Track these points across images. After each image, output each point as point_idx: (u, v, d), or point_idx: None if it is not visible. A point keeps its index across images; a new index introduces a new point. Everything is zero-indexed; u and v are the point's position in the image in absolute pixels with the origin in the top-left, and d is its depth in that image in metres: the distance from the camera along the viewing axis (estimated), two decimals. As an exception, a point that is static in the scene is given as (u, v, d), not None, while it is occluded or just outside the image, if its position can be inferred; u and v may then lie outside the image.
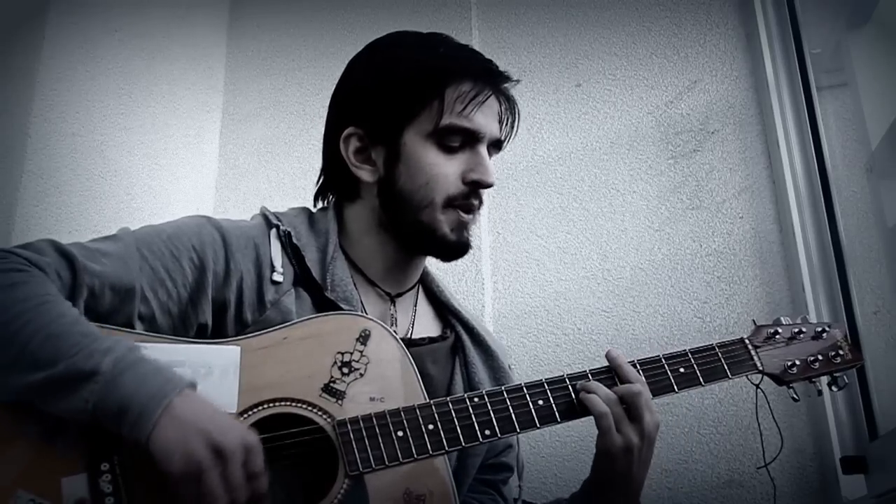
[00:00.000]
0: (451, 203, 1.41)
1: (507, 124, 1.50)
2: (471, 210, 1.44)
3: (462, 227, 1.43)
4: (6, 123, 2.45)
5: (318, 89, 2.85)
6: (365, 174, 1.45)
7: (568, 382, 1.33)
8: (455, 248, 1.44)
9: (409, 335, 1.48)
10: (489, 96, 1.43)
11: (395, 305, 1.49)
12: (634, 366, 1.37)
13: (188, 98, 2.88)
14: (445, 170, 1.41)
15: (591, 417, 1.32)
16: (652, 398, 1.33)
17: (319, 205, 1.56)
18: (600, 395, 1.31)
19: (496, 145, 1.49)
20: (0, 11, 2.52)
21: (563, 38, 2.60)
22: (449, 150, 1.41)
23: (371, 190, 1.46)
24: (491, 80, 1.45)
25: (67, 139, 2.45)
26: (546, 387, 1.32)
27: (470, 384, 1.49)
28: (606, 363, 1.37)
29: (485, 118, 1.43)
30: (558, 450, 2.18)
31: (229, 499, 1.07)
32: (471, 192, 1.42)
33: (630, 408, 1.30)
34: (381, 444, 1.22)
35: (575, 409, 1.32)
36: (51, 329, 1.11)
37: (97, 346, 1.10)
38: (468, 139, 1.42)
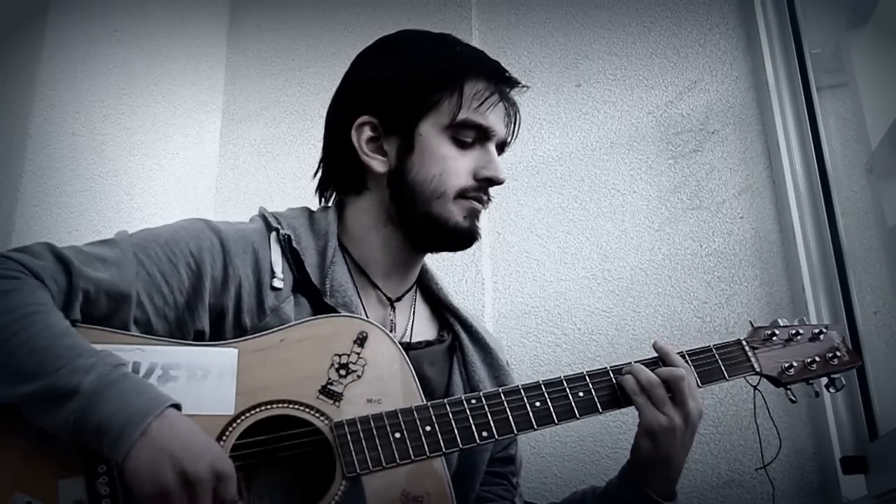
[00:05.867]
0: (462, 195, 1.43)
1: (511, 128, 1.52)
2: (481, 204, 1.46)
3: (473, 215, 1.45)
4: (6, 123, 2.45)
5: (318, 89, 2.85)
6: (377, 164, 1.44)
7: (565, 384, 1.33)
8: (467, 236, 1.46)
9: (408, 339, 1.47)
10: (503, 97, 1.47)
11: (394, 311, 1.48)
12: (683, 356, 1.40)
13: (188, 98, 2.88)
14: (458, 163, 1.42)
15: (592, 418, 1.33)
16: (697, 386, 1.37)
17: (322, 200, 1.56)
18: (641, 378, 1.34)
19: (500, 147, 1.51)
20: (0, 11, 2.52)
21: (563, 38, 2.59)
22: (462, 145, 1.43)
23: (380, 181, 1.46)
24: (504, 82, 1.47)
25: (67, 139, 2.45)
26: (543, 389, 1.32)
27: (469, 383, 1.49)
28: (608, 364, 1.38)
29: (496, 118, 1.46)
30: (558, 450, 2.18)
31: None
32: (481, 188, 1.44)
33: (674, 392, 1.33)
34: (379, 446, 1.22)
35: (572, 409, 1.32)
36: (37, 342, 1.11)
37: (80, 364, 1.10)
38: (480, 136, 1.45)
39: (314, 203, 1.57)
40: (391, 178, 1.44)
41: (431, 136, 1.42)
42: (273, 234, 1.40)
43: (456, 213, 1.43)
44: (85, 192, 2.46)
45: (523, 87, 1.51)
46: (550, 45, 2.60)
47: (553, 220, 2.42)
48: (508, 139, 1.52)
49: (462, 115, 1.42)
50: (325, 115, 1.54)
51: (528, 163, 2.49)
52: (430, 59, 1.45)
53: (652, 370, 1.35)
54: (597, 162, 2.43)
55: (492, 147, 1.46)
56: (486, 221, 2.45)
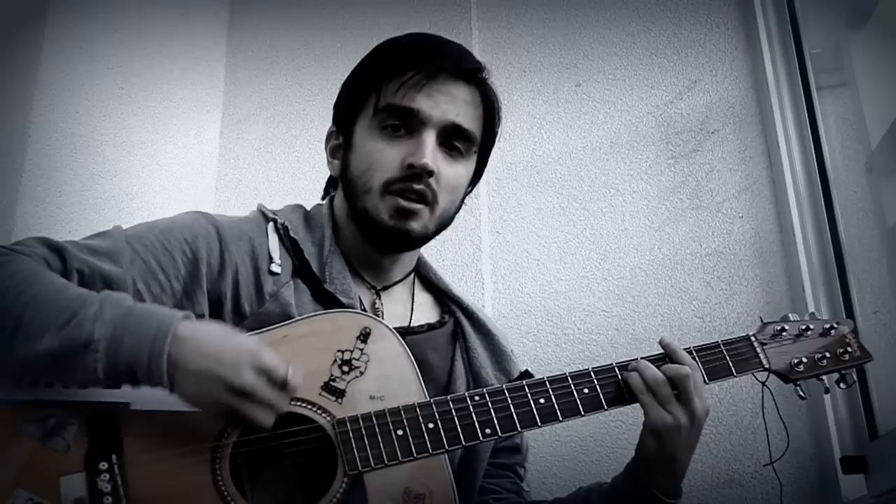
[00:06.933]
0: (388, 188, 1.40)
1: (471, 111, 1.46)
2: (411, 195, 1.40)
3: (402, 213, 1.40)
4: (6, 123, 2.45)
5: (318, 89, 2.85)
6: (331, 167, 1.53)
7: (570, 381, 1.33)
8: (391, 235, 1.42)
9: (408, 323, 1.49)
10: (432, 77, 1.40)
11: (380, 298, 1.50)
12: (690, 353, 1.38)
13: (188, 98, 2.88)
14: (386, 155, 1.41)
15: (595, 415, 1.33)
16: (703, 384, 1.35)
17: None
18: (647, 375, 1.32)
19: (461, 135, 1.44)
20: (0, 11, 2.52)
21: (563, 38, 2.59)
22: (392, 136, 1.41)
23: (341, 181, 1.51)
24: (436, 63, 1.42)
25: (67, 139, 2.45)
26: (548, 385, 1.32)
27: (471, 370, 1.50)
28: (608, 362, 1.37)
29: (432, 101, 1.41)
30: (558, 450, 2.18)
31: (273, 414, 1.15)
32: (408, 177, 1.39)
33: (680, 390, 1.31)
34: (381, 443, 1.22)
35: (577, 407, 1.32)
36: (42, 297, 1.13)
37: (86, 313, 1.11)
38: (411, 123, 1.41)
39: (313, 203, 1.59)
40: (340, 177, 1.49)
41: (363, 132, 1.44)
42: (270, 224, 1.43)
43: (383, 210, 1.40)
44: (85, 192, 2.46)
45: (471, 64, 1.45)
46: (550, 45, 2.60)
47: (553, 220, 2.42)
48: (462, 122, 1.43)
49: (383, 102, 1.41)
50: (324, 115, 1.59)
51: (528, 163, 2.49)
52: (364, 62, 1.50)
53: (658, 367, 1.34)
54: (597, 162, 2.43)
55: (426, 134, 1.40)
56: (486, 221, 2.45)
